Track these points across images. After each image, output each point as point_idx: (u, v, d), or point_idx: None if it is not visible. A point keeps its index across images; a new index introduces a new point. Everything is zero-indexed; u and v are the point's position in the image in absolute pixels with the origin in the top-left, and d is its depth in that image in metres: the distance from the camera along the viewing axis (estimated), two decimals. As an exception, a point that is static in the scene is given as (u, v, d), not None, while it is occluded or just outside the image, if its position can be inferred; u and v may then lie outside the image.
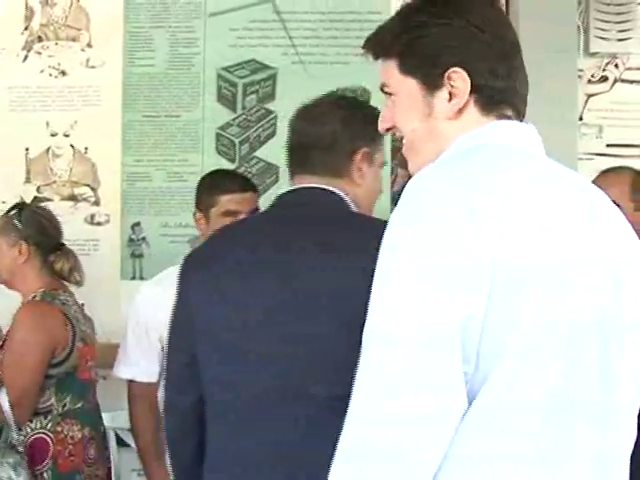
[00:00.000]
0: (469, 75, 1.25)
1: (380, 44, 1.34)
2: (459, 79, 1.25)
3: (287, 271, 1.67)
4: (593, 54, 3.60)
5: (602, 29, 3.58)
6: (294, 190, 1.82)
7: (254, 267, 1.71)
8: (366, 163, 1.82)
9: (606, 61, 3.62)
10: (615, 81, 3.63)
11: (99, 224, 3.42)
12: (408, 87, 1.29)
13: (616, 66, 3.62)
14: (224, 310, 1.72)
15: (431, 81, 1.27)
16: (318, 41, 3.43)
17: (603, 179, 2.54)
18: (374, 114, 1.82)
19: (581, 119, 3.56)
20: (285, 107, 3.42)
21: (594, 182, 2.54)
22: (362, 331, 1.20)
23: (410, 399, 1.07)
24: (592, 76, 3.60)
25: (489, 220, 1.10)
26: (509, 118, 1.29)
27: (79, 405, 2.53)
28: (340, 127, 1.79)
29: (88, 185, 3.42)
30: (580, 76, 3.55)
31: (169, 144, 3.46)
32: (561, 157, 2.86)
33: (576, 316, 1.14)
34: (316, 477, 1.26)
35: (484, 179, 1.15)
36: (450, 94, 1.26)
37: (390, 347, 1.10)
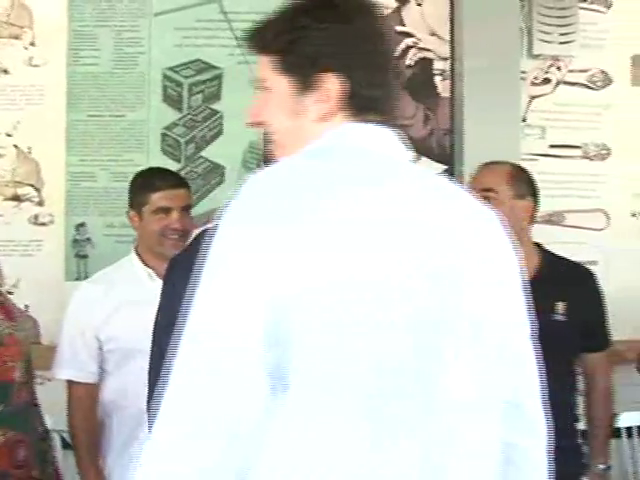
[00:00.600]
0: (344, 81, 1.27)
1: (261, 40, 1.35)
2: (332, 83, 1.28)
3: None
4: (536, 56, 3.65)
5: (545, 32, 3.64)
6: None
7: None
8: None
9: (549, 63, 3.68)
10: (558, 83, 3.69)
11: (43, 224, 3.38)
12: (282, 85, 1.31)
13: (558, 68, 3.69)
14: None
15: (305, 82, 1.29)
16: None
17: (485, 169, 2.65)
18: None
19: (524, 120, 3.62)
20: (231, 107, 3.43)
21: (478, 173, 2.68)
22: None
23: (208, 398, 1.12)
24: (535, 78, 3.66)
25: (295, 230, 1.15)
26: (376, 123, 1.31)
27: None
28: None
29: (32, 185, 3.39)
30: (523, 78, 3.60)
31: (114, 144, 3.44)
32: (504, 157, 2.98)
33: (383, 315, 1.16)
34: None
35: (302, 195, 1.18)
36: (321, 97, 1.28)
37: (195, 346, 1.14)
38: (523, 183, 2.64)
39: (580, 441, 2.68)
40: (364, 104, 1.30)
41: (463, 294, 1.24)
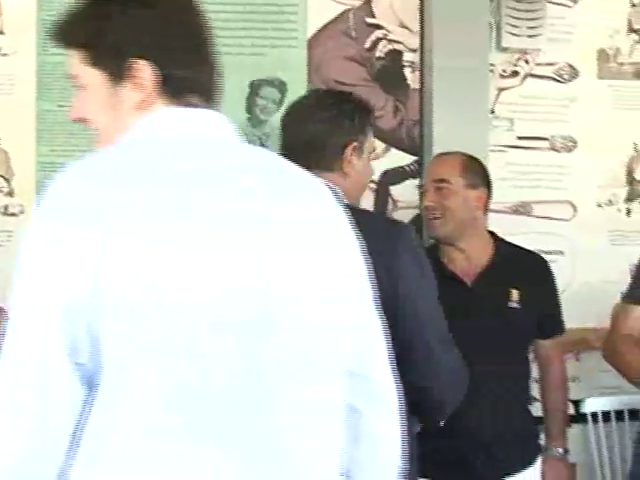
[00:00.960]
0: (155, 66, 1.26)
1: (67, 34, 1.33)
2: (143, 71, 1.27)
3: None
4: (505, 50, 3.70)
5: (513, 26, 3.68)
6: None
7: None
8: (356, 155, 1.95)
9: (517, 57, 3.72)
10: (525, 76, 3.74)
11: (13, 215, 3.37)
12: (94, 79, 1.29)
13: (526, 62, 3.74)
14: None
15: (116, 73, 1.28)
16: (233, 32, 3.44)
17: (438, 160, 2.72)
18: (361, 106, 1.98)
19: (493, 112, 3.66)
20: (201, 98, 3.44)
21: (432, 164, 2.73)
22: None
23: (13, 389, 1.13)
24: (503, 71, 3.71)
25: (97, 227, 1.12)
26: (196, 106, 1.30)
27: None
28: (329, 126, 1.92)
29: (1, 176, 3.38)
30: (492, 71, 3.64)
31: (84, 134, 3.42)
32: (473, 149, 3.02)
33: (191, 312, 1.14)
34: None
35: (102, 185, 1.17)
36: (136, 85, 1.27)
37: (9, 335, 1.15)
38: (476, 173, 2.69)
39: (534, 425, 2.74)
40: (179, 87, 1.29)
41: (287, 277, 1.21)
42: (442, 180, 2.63)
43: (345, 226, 1.35)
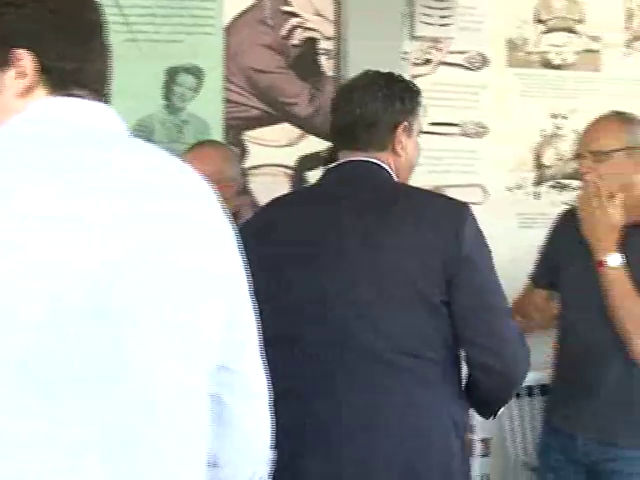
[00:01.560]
0: (36, 56, 1.31)
1: None
2: (25, 60, 1.31)
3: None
4: (417, 38, 3.80)
5: (426, 15, 3.79)
6: (342, 164, 1.99)
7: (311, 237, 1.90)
8: (406, 135, 2.01)
9: (429, 45, 3.83)
10: (438, 64, 3.86)
11: None
12: None
13: (439, 50, 3.85)
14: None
15: (1, 60, 1.32)
16: (152, 19, 3.45)
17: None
18: (410, 87, 2.06)
19: (406, 99, 3.75)
20: (118, 85, 3.43)
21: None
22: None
23: None
24: (416, 59, 3.81)
25: None
26: (80, 98, 1.34)
27: None
28: (381, 106, 1.98)
29: None
30: (405, 58, 3.74)
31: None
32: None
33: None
34: None
35: None
36: (18, 73, 1.32)
37: None
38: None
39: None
40: (63, 79, 1.33)
41: (149, 272, 1.23)
42: None
43: (218, 224, 1.38)
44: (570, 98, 4.07)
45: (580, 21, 4.16)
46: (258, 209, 2.14)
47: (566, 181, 3.91)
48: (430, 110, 3.79)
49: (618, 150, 2.42)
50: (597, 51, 4.19)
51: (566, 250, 2.61)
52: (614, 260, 2.35)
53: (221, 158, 2.86)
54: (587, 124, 2.58)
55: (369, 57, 3.49)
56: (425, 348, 1.82)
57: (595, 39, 4.18)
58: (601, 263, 2.37)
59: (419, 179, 3.54)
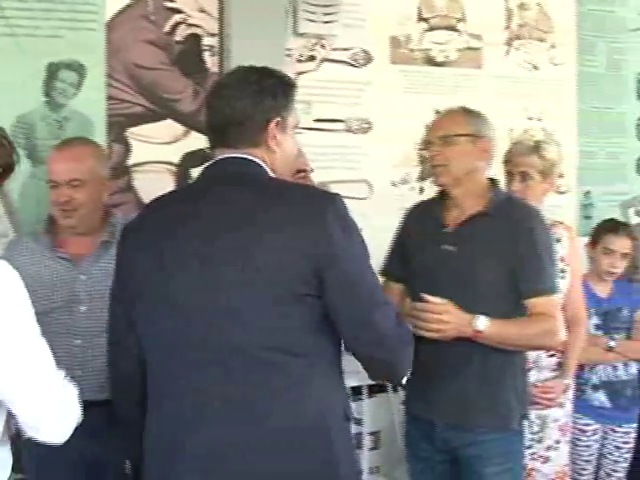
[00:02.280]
0: None
1: None
2: None
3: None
4: (301, 35, 3.84)
5: (309, 12, 3.84)
6: (215, 162, 1.96)
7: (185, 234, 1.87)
8: (279, 131, 1.96)
9: (313, 42, 3.89)
10: (322, 60, 3.91)
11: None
12: None
13: (323, 47, 3.91)
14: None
15: None
16: (31, 13, 3.39)
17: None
18: (283, 82, 2.00)
19: (291, 95, 3.79)
20: (-1, 81, 3.38)
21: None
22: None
23: None
24: (301, 55, 3.86)
25: None
26: None
27: None
28: (251, 102, 1.92)
29: None
30: (289, 55, 3.78)
31: None
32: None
33: None
34: None
35: None
36: None
37: None
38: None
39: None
40: None
41: None
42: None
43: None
44: (452, 94, 4.18)
45: (462, 20, 4.29)
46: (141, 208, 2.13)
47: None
48: (314, 107, 3.86)
49: (463, 135, 2.57)
50: (478, 49, 4.33)
51: (416, 240, 2.71)
52: (482, 323, 2.42)
53: (93, 156, 2.82)
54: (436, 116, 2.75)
55: (253, 54, 3.49)
56: (294, 343, 1.82)
57: (476, 37, 4.32)
58: (476, 333, 2.43)
59: (304, 175, 3.63)
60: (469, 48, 4.29)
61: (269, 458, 1.80)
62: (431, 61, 4.20)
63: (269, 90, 1.96)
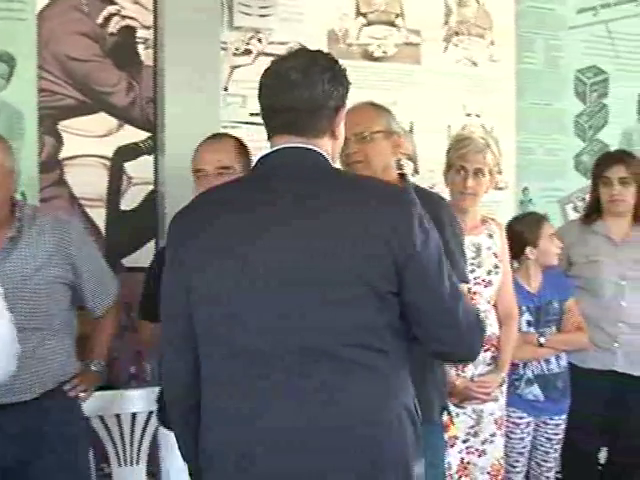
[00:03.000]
0: None
1: None
2: None
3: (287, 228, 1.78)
4: (237, 28, 3.84)
5: (245, 5, 3.84)
6: (280, 151, 1.88)
7: (251, 228, 1.80)
8: (342, 118, 1.92)
9: (250, 35, 3.88)
10: (258, 54, 3.90)
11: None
12: None
13: (259, 40, 3.91)
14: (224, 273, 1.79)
15: None
16: (-42, 3, 3.35)
17: (210, 143, 2.83)
18: (342, 67, 1.92)
19: (226, 89, 3.80)
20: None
21: (202, 145, 2.82)
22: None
23: None
24: (236, 49, 3.85)
25: None
26: None
27: None
28: (327, 90, 1.84)
29: None
30: (225, 49, 3.78)
31: None
32: (206, 125, 3.13)
33: None
34: None
35: None
36: None
37: None
38: (247, 155, 2.84)
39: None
40: None
41: None
42: (226, 167, 2.77)
43: None
44: (391, 90, 4.22)
45: (400, 15, 4.32)
46: (190, 202, 2.00)
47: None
48: (250, 101, 3.86)
49: (379, 132, 2.59)
50: (417, 45, 4.36)
51: None
52: None
53: (1, 149, 2.75)
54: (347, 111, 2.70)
55: (187, 47, 3.53)
56: (373, 339, 1.79)
57: (415, 33, 4.35)
58: None
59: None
60: (407, 44, 4.32)
61: (350, 451, 1.79)
62: (369, 56, 4.22)
63: (340, 76, 1.90)
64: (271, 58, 3.83)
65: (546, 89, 4.79)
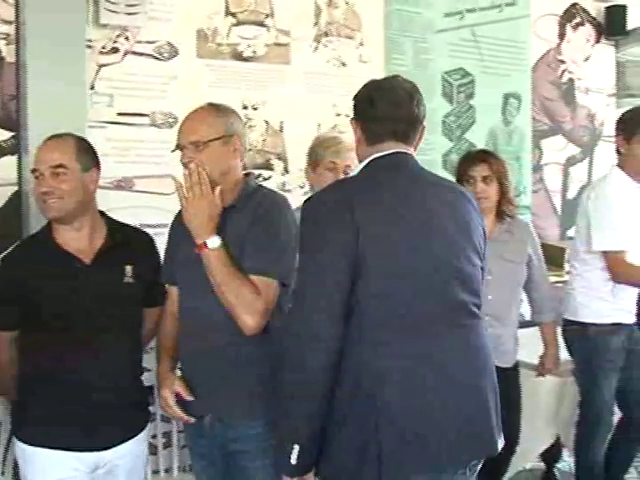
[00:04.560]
0: None
1: None
2: None
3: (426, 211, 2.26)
4: (103, 26, 3.81)
5: (112, 2, 3.80)
6: (393, 154, 2.32)
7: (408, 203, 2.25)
8: None
9: (117, 33, 3.86)
10: (126, 53, 3.89)
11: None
12: None
13: (127, 38, 3.89)
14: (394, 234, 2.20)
15: None
16: None
17: (47, 143, 2.76)
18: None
19: (93, 88, 3.77)
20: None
21: (45, 150, 2.75)
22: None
23: None
24: (103, 47, 3.82)
25: None
26: None
27: None
28: (424, 109, 2.38)
29: None
30: (90, 46, 3.74)
31: None
32: (71, 124, 3.09)
33: None
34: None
35: None
36: None
37: None
38: (89, 155, 2.77)
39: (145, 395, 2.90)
40: None
41: None
42: (59, 166, 2.67)
43: None
44: (260, 90, 4.27)
45: (270, 15, 4.37)
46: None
47: (256, 171, 4.07)
48: (118, 100, 3.84)
49: (216, 139, 2.57)
50: (287, 45, 4.42)
51: (177, 242, 2.73)
52: (214, 242, 2.48)
53: None
54: (185, 116, 2.70)
55: (51, 43, 3.47)
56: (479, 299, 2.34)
57: (285, 33, 4.41)
58: (202, 246, 2.50)
59: (107, 170, 3.59)
60: (277, 44, 4.38)
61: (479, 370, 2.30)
62: (239, 56, 4.25)
63: (422, 98, 2.41)
64: (139, 57, 3.93)
65: (414, 90, 4.92)
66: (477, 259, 2.33)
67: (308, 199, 2.32)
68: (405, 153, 2.34)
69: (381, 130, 2.34)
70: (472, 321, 2.29)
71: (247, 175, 2.71)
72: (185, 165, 2.58)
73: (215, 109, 2.64)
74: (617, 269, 3.74)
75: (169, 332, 2.76)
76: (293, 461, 2.15)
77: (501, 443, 2.32)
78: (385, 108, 2.33)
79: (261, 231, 2.52)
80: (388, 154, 2.32)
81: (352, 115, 2.42)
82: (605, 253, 3.75)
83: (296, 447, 2.14)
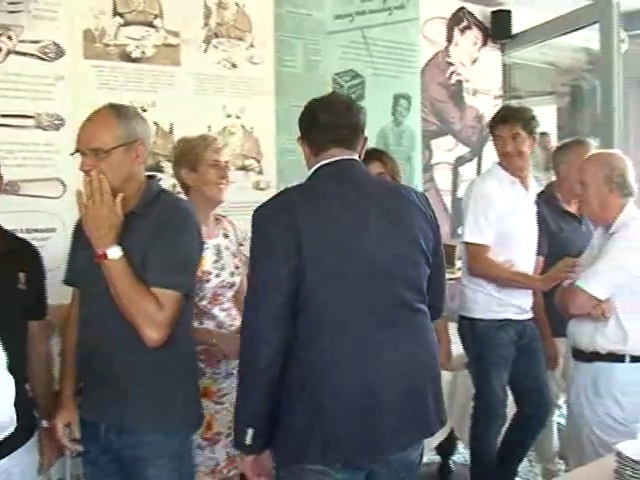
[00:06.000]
0: None
1: None
2: None
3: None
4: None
5: (-10, 1, 3.72)
6: (338, 161, 2.48)
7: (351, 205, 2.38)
8: None
9: (-1, 32, 3.77)
10: (9, 52, 3.81)
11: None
12: None
13: (9, 38, 3.80)
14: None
15: None
16: None
17: None
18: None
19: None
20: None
21: None
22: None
23: None
24: (-16, 47, 3.73)
25: None
26: None
27: None
28: (362, 117, 2.55)
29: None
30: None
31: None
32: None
33: None
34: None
35: None
36: None
37: None
38: None
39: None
40: None
41: None
42: None
43: None
44: (150, 91, 4.25)
45: (159, 16, 4.34)
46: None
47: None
48: (1, 101, 3.75)
49: (117, 147, 2.50)
50: (176, 46, 4.39)
51: (80, 246, 2.66)
52: (114, 253, 2.43)
53: None
54: (84, 120, 2.61)
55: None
56: (422, 296, 2.48)
57: (174, 34, 4.39)
58: (102, 256, 2.45)
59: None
60: (166, 45, 4.35)
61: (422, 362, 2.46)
62: (127, 57, 4.21)
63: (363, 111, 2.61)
64: (22, 57, 3.85)
65: (305, 91, 4.92)
66: (421, 257, 2.46)
67: (257, 208, 2.39)
68: (350, 159, 2.50)
69: (324, 138, 2.49)
70: (415, 315, 2.43)
71: (150, 178, 2.65)
72: (85, 172, 2.52)
73: (117, 112, 2.55)
74: (474, 262, 3.88)
75: (75, 341, 2.70)
76: (248, 442, 2.34)
77: (440, 427, 2.52)
78: (326, 117, 2.49)
79: (163, 242, 2.48)
80: (334, 161, 2.47)
81: (299, 135, 2.56)
82: (467, 245, 3.87)
83: (250, 430, 2.33)
